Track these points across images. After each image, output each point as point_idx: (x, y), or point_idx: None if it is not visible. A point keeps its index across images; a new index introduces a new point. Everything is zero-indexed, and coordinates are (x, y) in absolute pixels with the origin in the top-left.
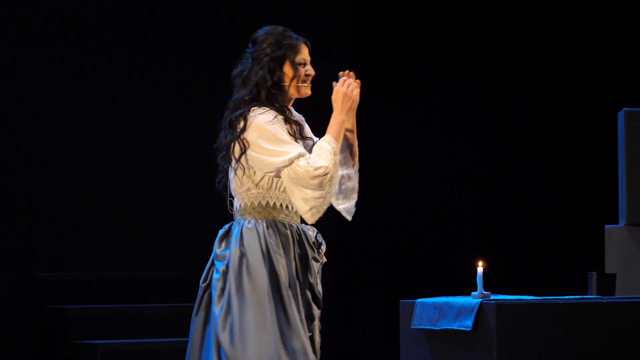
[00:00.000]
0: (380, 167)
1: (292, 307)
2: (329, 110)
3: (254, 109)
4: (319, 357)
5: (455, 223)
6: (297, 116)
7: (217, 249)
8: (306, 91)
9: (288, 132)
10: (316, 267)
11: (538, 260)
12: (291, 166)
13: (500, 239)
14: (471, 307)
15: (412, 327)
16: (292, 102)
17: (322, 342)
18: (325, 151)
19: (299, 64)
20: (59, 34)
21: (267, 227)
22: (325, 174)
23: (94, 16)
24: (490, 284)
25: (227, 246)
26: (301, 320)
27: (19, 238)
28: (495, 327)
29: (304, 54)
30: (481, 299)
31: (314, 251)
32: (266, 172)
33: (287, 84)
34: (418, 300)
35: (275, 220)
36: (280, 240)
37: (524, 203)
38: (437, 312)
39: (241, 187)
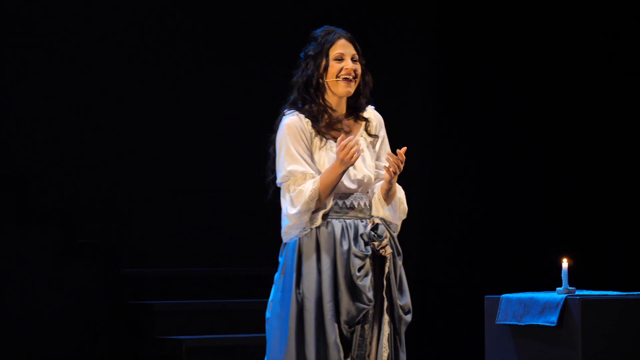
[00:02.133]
0: (465, 162)
1: (310, 308)
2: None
3: (284, 113)
4: (371, 351)
5: (541, 218)
6: (344, 117)
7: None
8: (341, 88)
9: (305, 142)
10: (357, 262)
11: (623, 256)
12: (284, 185)
13: (585, 235)
14: (556, 303)
15: (497, 322)
16: (342, 101)
17: (406, 338)
18: (302, 197)
19: (335, 59)
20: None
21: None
22: (293, 218)
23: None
24: (575, 279)
25: (282, 253)
26: (318, 317)
27: (104, 234)
28: (581, 323)
29: (342, 48)
30: (566, 295)
31: (359, 245)
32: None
33: (323, 80)
34: (503, 295)
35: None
36: (318, 240)
37: (609, 198)
38: (522, 307)
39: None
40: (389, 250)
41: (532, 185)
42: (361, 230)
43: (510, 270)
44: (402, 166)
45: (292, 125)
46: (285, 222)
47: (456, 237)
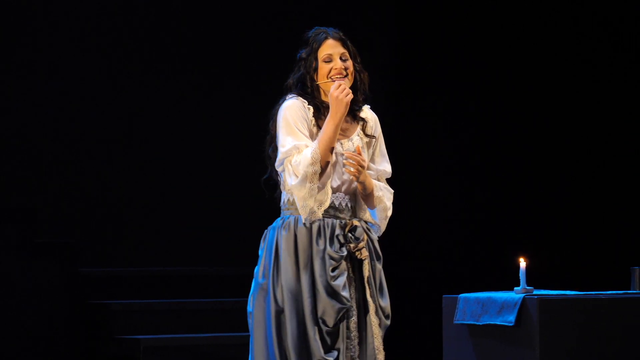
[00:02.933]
0: (424, 162)
1: (291, 302)
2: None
3: (284, 98)
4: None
5: (498, 218)
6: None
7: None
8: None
9: (307, 123)
10: (331, 263)
11: (580, 256)
12: (285, 161)
13: (542, 235)
14: (514, 302)
15: (455, 322)
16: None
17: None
18: (304, 161)
19: (324, 61)
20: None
21: (283, 227)
22: (299, 188)
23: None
24: (533, 279)
25: (261, 247)
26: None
27: (62, 233)
28: (538, 322)
29: (330, 48)
30: (524, 294)
31: (334, 246)
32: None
33: (316, 82)
34: (461, 295)
35: (298, 217)
36: (296, 237)
37: (566, 198)
38: (480, 307)
39: (282, 183)
40: (365, 253)
41: (489, 184)
42: (337, 231)
43: (468, 270)
44: (364, 163)
45: (294, 106)
46: (295, 198)
47: (414, 236)
